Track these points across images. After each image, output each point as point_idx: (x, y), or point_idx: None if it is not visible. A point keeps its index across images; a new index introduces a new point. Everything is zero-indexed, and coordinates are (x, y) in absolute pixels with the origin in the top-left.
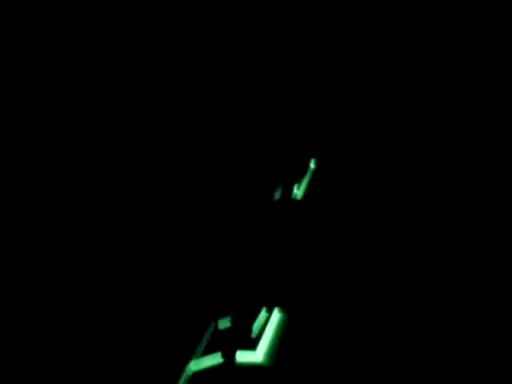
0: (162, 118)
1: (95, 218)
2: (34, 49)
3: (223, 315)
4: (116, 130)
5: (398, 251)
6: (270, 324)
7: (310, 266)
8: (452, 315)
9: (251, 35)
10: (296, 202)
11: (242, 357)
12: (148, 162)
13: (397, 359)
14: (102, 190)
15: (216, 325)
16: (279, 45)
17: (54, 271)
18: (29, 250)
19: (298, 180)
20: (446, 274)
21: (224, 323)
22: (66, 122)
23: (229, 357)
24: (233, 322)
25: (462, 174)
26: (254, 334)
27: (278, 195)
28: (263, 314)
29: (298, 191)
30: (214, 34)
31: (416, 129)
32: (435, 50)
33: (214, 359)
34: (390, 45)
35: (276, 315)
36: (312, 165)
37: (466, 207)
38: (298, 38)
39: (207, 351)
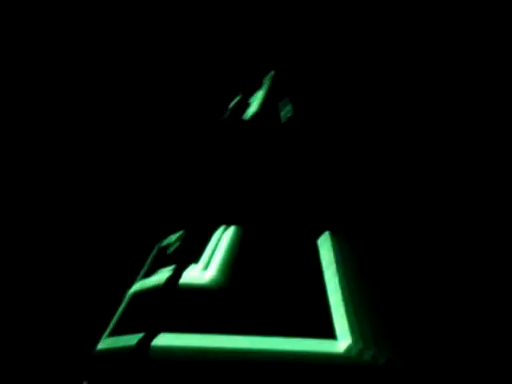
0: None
1: (92, 217)
2: (34, 49)
3: (171, 233)
4: (116, 130)
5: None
6: (221, 244)
7: (263, 184)
8: (451, 313)
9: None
10: (249, 119)
11: (189, 277)
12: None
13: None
14: (101, 189)
15: (164, 244)
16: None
17: (54, 271)
18: (29, 249)
19: (250, 96)
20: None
21: (172, 241)
22: (66, 122)
23: (175, 275)
24: (183, 240)
25: (462, 173)
26: (203, 254)
27: (230, 110)
28: (216, 233)
29: (251, 106)
30: (213, 34)
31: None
32: (435, 50)
33: (160, 277)
34: (390, 45)
35: (228, 235)
36: (266, 77)
37: (465, 206)
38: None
39: (152, 270)
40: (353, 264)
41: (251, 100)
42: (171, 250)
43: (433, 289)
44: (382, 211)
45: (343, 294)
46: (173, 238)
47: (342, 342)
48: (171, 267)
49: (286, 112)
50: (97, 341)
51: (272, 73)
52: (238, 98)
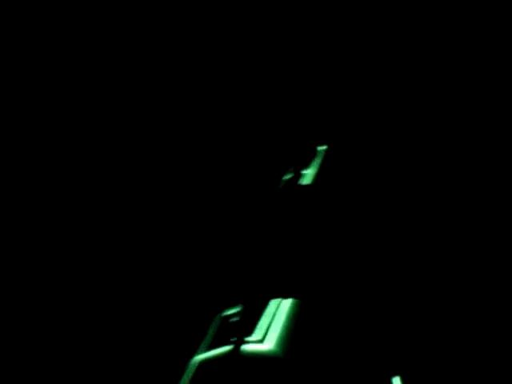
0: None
1: (95, 218)
2: (33, 49)
3: (230, 306)
4: (116, 130)
5: (404, 246)
6: (279, 315)
7: (320, 256)
8: (452, 314)
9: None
10: (303, 188)
11: (250, 347)
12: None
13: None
14: (101, 189)
15: (223, 316)
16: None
17: (54, 271)
18: (29, 249)
19: (306, 165)
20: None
21: (232, 314)
22: (66, 122)
23: (236, 347)
24: (241, 312)
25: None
26: (262, 325)
27: (284, 182)
28: (272, 305)
29: (305, 178)
30: (213, 34)
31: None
32: (435, 50)
33: (222, 349)
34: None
35: (285, 307)
36: (319, 150)
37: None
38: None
39: (214, 342)
40: None
41: (304, 172)
42: (231, 321)
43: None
44: None
45: None
46: (232, 309)
47: None
48: (231, 339)
49: (338, 184)
50: None
51: (324, 147)
52: (291, 171)
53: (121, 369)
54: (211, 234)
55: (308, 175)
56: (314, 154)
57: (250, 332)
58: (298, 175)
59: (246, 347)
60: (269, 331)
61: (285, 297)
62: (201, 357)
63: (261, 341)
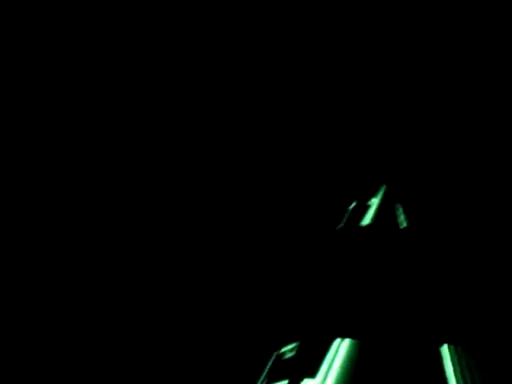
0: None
1: (95, 218)
2: (34, 49)
3: (287, 343)
4: (116, 130)
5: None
6: (337, 356)
7: (381, 297)
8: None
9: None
10: (365, 228)
11: None
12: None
13: None
14: (101, 190)
15: (280, 353)
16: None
17: (54, 271)
18: (29, 249)
19: (368, 202)
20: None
21: (289, 352)
22: (66, 122)
23: None
24: (298, 350)
25: None
26: (319, 365)
27: (346, 219)
28: (332, 345)
29: (367, 215)
30: (214, 34)
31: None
32: (436, 51)
33: None
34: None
35: (344, 348)
36: (382, 189)
37: None
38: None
39: (272, 379)
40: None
41: (366, 209)
42: (287, 359)
43: None
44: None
45: None
46: (290, 347)
47: None
48: (286, 380)
49: (400, 222)
50: None
51: (384, 186)
52: (353, 205)
53: None
54: (272, 267)
55: (371, 209)
56: (376, 190)
57: (307, 372)
58: (364, 207)
59: None
60: (328, 374)
61: (344, 337)
62: None
63: (317, 380)
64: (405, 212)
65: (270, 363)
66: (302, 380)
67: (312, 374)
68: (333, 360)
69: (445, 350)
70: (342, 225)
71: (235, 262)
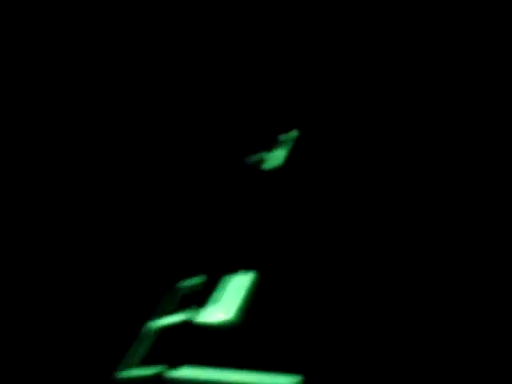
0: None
1: (93, 218)
2: (34, 49)
3: (188, 276)
4: (112, 130)
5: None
6: (239, 287)
7: (283, 233)
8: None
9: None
10: (267, 172)
11: (207, 316)
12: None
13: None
14: (101, 189)
15: (179, 285)
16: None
17: (54, 271)
18: (29, 249)
19: (270, 148)
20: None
21: (189, 283)
22: (66, 122)
23: (192, 315)
24: (198, 283)
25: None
26: (220, 295)
27: (248, 164)
28: (233, 276)
29: (270, 160)
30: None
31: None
32: (436, 51)
33: (177, 317)
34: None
35: (246, 278)
36: (289, 135)
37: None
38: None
39: (169, 310)
40: None
41: (269, 156)
42: (188, 291)
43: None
44: None
45: None
46: (191, 280)
47: None
48: (189, 308)
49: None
50: (110, 372)
51: (295, 133)
52: (253, 155)
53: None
54: (175, 206)
55: (273, 160)
56: (277, 140)
57: (205, 303)
58: (261, 159)
59: (202, 317)
60: (226, 303)
61: (243, 269)
62: (154, 325)
63: (217, 311)
64: (314, 164)
65: (168, 296)
66: (200, 310)
67: (211, 303)
68: (232, 290)
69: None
70: (247, 168)
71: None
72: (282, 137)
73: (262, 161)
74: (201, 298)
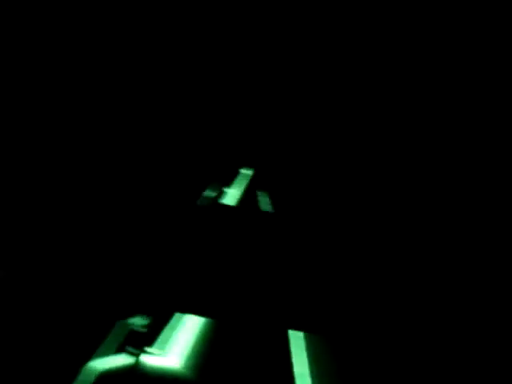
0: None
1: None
2: (34, 49)
3: (134, 315)
4: (112, 130)
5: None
6: (184, 329)
7: (230, 272)
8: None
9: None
10: (223, 207)
11: (151, 358)
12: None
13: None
14: (100, 189)
15: (125, 323)
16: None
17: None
18: (29, 249)
19: (228, 183)
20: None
21: (136, 323)
22: (66, 122)
23: (138, 356)
24: (147, 322)
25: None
26: (165, 337)
27: (206, 198)
28: (177, 318)
29: (227, 196)
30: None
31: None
32: (436, 50)
33: (122, 358)
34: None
35: (191, 322)
36: (246, 170)
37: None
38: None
39: (113, 349)
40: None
41: (226, 191)
42: (134, 329)
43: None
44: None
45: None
46: (136, 318)
47: None
48: (133, 349)
49: (264, 205)
50: None
51: (252, 170)
52: (213, 188)
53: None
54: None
55: (230, 194)
56: (236, 174)
57: (151, 343)
58: (220, 193)
59: (149, 359)
60: (172, 344)
61: (191, 312)
62: (99, 365)
63: (164, 354)
64: (270, 197)
65: (113, 333)
66: (143, 350)
67: (155, 344)
68: (178, 333)
69: (293, 334)
70: (204, 201)
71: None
72: (241, 172)
73: (220, 195)
74: (148, 336)
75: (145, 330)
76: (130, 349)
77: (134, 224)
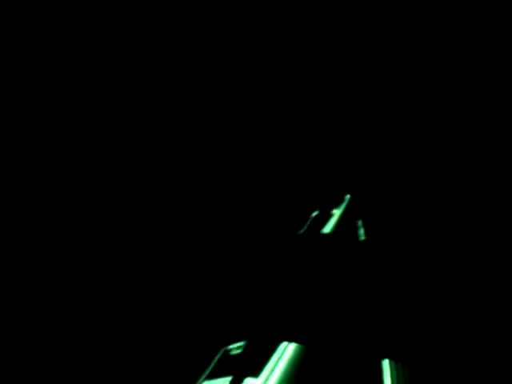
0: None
1: (95, 219)
2: (34, 49)
3: (235, 341)
4: (115, 130)
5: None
6: (282, 359)
7: (334, 303)
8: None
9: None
10: (325, 236)
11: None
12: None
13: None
14: (101, 190)
15: (228, 350)
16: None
17: (54, 271)
18: (29, 249)
19: (330, 211)
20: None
21: (236, 349)
22: (66, 122)
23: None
24: (245, 349)
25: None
26: (265, 364)
27: (311, 220)
28: (278, 348)
29: (329, 224)
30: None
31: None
32: (435, 51)
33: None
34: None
35: (290, 351)
36: (346, 198)
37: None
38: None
39: (216, 375)
40: None
41: (328, 218)
42: (234, 356)
43: None
44: None
45: None
46: (237, 346)
47: None
48: (230, 377)
49: (360, 234)
50: None
51: (348, 196)
52: (315, 214)
53: None
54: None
55: (331, 221)
56: (341, 200)
57: (252, 371)
58: (327, 215)
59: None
60: (271, 374)
61: (291, 341)
62: None
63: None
64: (364, 226)
65: (216, 359)
66: (245, 378)
67: (256, 373)
68: (277, 362)
69: (386, 364)
70: (303, 231)
71: (192, 259)
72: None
73: (320, 222)
74: (245, 364)
75: (244, 357)
76: (230, 375)
77: (230, 254)
